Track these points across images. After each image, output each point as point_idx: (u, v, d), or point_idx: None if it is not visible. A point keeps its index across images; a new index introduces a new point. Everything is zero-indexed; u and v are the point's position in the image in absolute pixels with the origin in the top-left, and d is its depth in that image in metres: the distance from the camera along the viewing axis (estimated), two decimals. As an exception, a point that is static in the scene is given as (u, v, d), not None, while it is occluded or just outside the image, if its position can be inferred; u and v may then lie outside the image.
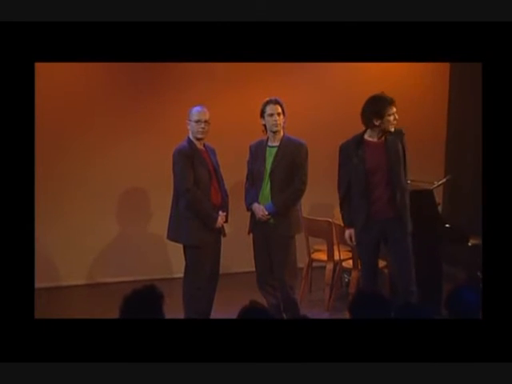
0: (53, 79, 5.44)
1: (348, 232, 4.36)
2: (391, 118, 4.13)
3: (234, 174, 5.03)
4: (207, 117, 4.41)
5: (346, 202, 4.33)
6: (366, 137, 4.22)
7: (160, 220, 4.94)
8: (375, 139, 4.19)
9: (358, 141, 4.22)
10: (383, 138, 4.18)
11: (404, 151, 4.20)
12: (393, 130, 4.15)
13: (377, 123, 4.12)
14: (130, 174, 5.78)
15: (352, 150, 4.23)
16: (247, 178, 4.61)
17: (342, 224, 4.52)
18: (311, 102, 6.10)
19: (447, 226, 5.01)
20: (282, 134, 4.47)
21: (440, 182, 5.34)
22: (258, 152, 4.53)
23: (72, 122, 5.63)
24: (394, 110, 4.13)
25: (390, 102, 4.12)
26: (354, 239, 4.33)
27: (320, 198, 6.00)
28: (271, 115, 4.39)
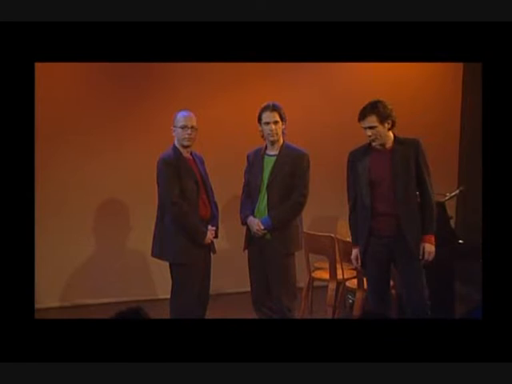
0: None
1: (354, 251, 4.25)
2: (366, 131, 4.02)
3: (228, 184, 5.00)
4: (194, 122, 4.38)
5: (353, 215, 4.25)
6: (374, 144, 4.10)
7: (144, 235, 4.90)
8: (379, 147, 4.08)
9: (366, 148, 4.15)
10: (390, 146, 4.06)
11: (419, 163, 4.04)
12: (374, 144, 4.03)
13: None
14: (110, 185, 5.72)
15: (358, 158, 4.16)
16: (243, 190, 4.59)
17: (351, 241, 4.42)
18: (311, 105, 6.08)
19: (460, 241, 4.97)
20: (281, 141, 4.44)
21: (453, 194, 5.30)
22: (255, 161, 4.50)
23: (49, 129, 5.59)
24: (364, 125, 3.99)
25: (362, 114, 4.00)
26: (359, 260, 4.21)
27: (322, 211, 5.98)
28: (267, 124, 4.37)
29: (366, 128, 4.02)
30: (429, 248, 4.07)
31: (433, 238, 4.10)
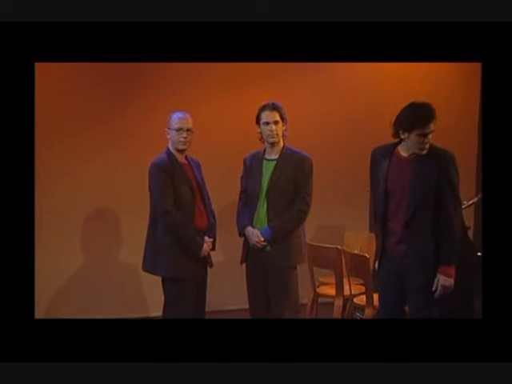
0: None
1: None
2: (420, 139, 3.77)
3: (223, 191, 4.99)
4: (190, 124, 4.37)
5: (376, 221, 4.08)
6: (399, 148, 3.91)
7: (134, 248, 4.89)
8: (406, 154, 3.88)
9: (389, 150, 3.95)
10: (415, 155, 3.86)
11: (442, 180, 3.80)
12: (423, 152, 3.82)
13: (403, 136, 3.84)
14: (98, 193, 5.73)
15: (378, 159, 3.98)
16: (240, 197, 4.57)
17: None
18: (314, 106, 6.10)
19: (479, 254, 4.95)
20: (281, 144, 4.43)
21: (470, 202, 5.29)
22: (253, 166, 4.48)
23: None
24: (428, 130, 3.76)
25: (424, 120, 3.74)
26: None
27: (327, 220, 5.99)
28: (266, 124, 4.36)
29: (422, 135, 3.76)
30: (443, 281, 3.84)
31: (450, 270, 3.85)
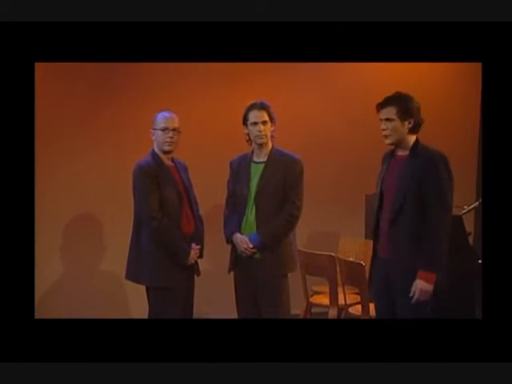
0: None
1: None
2: (381, 124, 3.90)
3: (211, 196, 4.95)
4: (176, 124, 4.35)
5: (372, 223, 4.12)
6: (387, 142, 3.96)
7: (117, 255, 4.89)
8: (400, 153, 3.94)
9: (392, 151, 4.01)
10: (406, 154, 3.89)
11: (426, 183, 3.77)
12: (386, 142, 3.91)
13: None
14: (82, 196, 5.73)
15: (384, 159, 4.06)
16: (227, 202, 4.55)
17: None
18: (311, 107, 6.10)
19: (481, 261, 4.94)
20: (270, 146, 4.41)
21: (471, 207, 5.27)
22: (240, 169, 4.47)
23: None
24: (382, 116, 3.89)
25: (382, 103, 3.89)
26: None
27: (321, 226, 5.99)
28: (254, 124, 4.34)
29: (381, 120, 3.88)
30: (420, 285, 3.76)
31: (429, 276, 3.77)
